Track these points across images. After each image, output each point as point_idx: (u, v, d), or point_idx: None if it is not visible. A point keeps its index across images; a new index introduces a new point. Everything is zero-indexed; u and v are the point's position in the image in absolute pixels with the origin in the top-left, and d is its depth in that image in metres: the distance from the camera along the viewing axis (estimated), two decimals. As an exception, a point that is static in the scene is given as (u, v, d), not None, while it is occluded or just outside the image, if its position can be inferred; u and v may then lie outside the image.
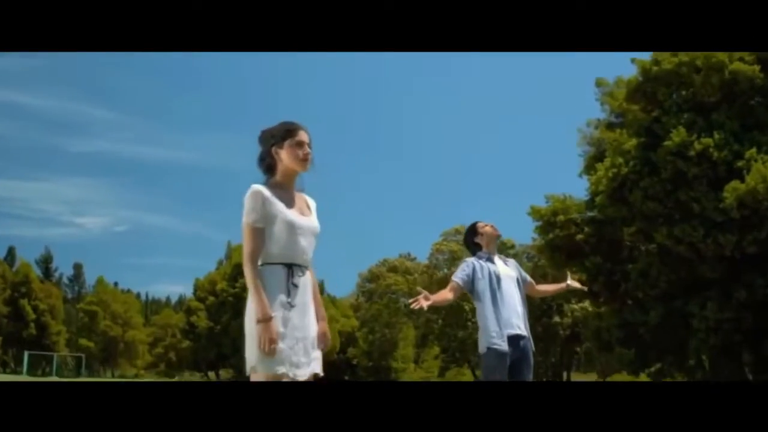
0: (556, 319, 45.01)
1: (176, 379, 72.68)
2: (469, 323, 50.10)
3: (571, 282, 6.18)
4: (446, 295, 5.70)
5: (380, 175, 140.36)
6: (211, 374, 68.85)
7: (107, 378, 73.25)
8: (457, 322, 50.73)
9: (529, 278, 6.22)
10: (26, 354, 65.99)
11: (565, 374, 50.06)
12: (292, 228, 3.56)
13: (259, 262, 3.53)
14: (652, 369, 18.66)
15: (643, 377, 18.98)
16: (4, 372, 67.65)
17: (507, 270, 5.92)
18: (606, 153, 19.83)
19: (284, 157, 3.61)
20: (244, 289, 44.50)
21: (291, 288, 3.54)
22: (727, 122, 17.47)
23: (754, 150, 16.89)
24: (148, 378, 73.47)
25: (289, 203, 3.63)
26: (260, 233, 3.52)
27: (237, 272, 62.94)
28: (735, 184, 16.28)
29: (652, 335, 18.04)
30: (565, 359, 49.64)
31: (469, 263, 5.82)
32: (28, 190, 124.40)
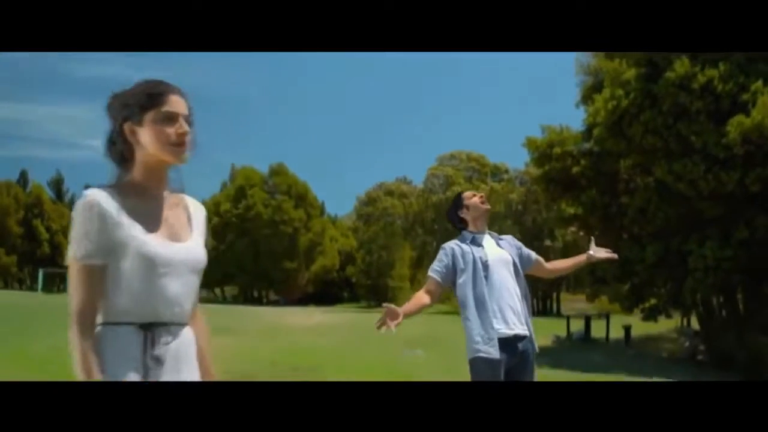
0: (548, 242, 43.87)
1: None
2: (463, 246, 49.05)
3: (595, 251, 4.56)
4: (422, 300, 4.30)
5: (379, 100, 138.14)
6: (218, 290, 68.57)
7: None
8: (451, 244, 49.60)
9: (534, 256, 4.65)
10: (41, 272, 65.73)
11: (554, 295, 49.35)
12: (152, 265, 2.04)
13: (98, 320, 2.02)
14: (647, 305, 17.40)
15: (636, 313, 17.81)
16: (21, 289, 67.39)
17: (499, 253, 4.41)
18: (604, 83, 18.17)
19: (145, 138, 2.08)
20: (247, 209, 44.05)
21: (149, 363, 2.02)
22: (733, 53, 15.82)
23: (760, 82, 15.24)
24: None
25: (152, 220, 2.11)
26: (96, 275, 2.00)
27: (240, 194, 62.12)
28: (739, 118, 14.74)
29: (647, 272, 16.72)
30: (555, 281, 48.72)
31: (447, 250, 4.40)
32: (40, 113, 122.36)
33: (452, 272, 4.33)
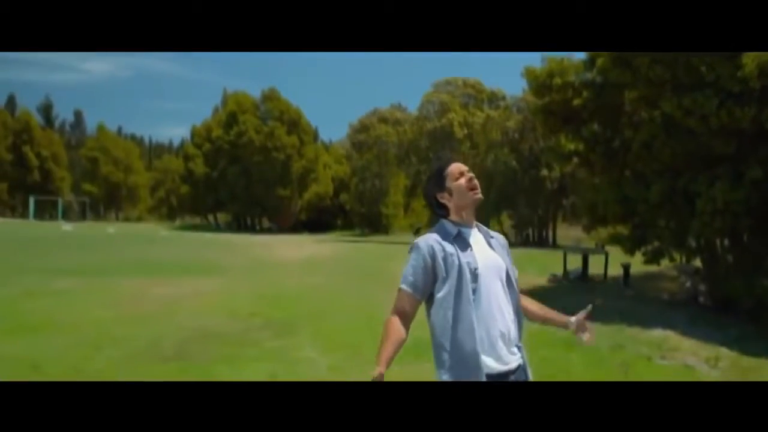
0: (544, 172, 42.73)
1: (177, 221, 72.00)
2: (458, 174, 47.94)
3: (578, 326, 3.65)
4: (399, 334, 3.08)
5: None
6: (210, 217, 67.91)
7: (112, 220, 72.41)
8: (446, 173, 48.47)
9: (515, 274, 3.44)
10: (32, 199, 64.92)
11: (551, 226, 48.50)
12: None
13: None
14: (649, 248, 16.37)
15: (638, 256, 16.80)
16: (13, 217, 66.70)
17: (491, 257, 3.29)
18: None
19: None
20: (239, 136, 43.66)
21: None
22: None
23: (779, 10, 13.87)
24: (151, 221, 72.72)
25: None
26: None
27: (232, 120, 60.85)
28: (756, 49, 13.35)
29: (651, 213, 15.63)
30: (552, 212, 47.83)
31: (423, 250, 3.19)
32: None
33: (431, 282, 3.18)
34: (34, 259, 21.08)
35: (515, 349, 3.29)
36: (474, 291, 3.15)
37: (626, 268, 19.83)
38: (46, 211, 68.68)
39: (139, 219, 76.05)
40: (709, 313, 15.25)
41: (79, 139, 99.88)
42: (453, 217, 3.36)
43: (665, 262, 17.77)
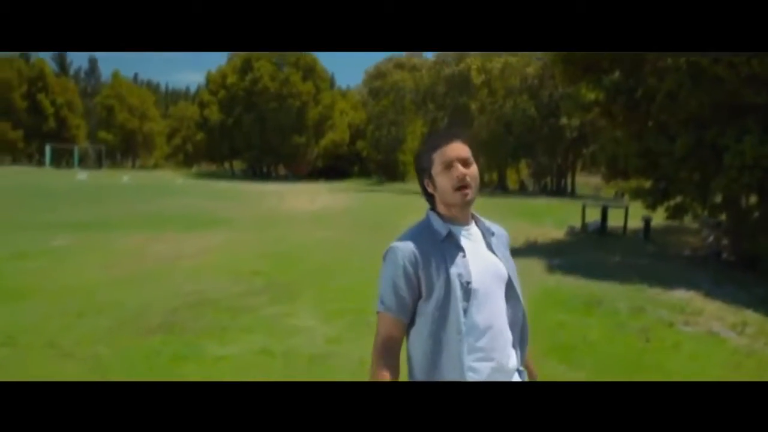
0: (564, 120, 41.65)
1: (193, 169, 71.65)
2: (476, 122, 47.05)
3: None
4: (384, 369, 2.43)
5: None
6: (226, 164, 67.59)
7: (128, 168, 72.22)
8: (463, 120, 47.57)
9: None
10: (48, 147, 64.68)
11: (569, 176, 47.65)
12: None
13: None
14: (672, 203, 15.56)
15: (660, 211, 16.04)
16: (30, 165, 66.58)
17: (491, 265, 2.59)
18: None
19: None
20: (254, 82, 43.62)
21: None
22: None
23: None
24: (168, 168, 72.39)
25: None
26: None
27: (247, 66, 60.01)
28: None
29: (675, 167, 14.78)
30: (571, 161, 46.89)
31: (398, 259, 2.50)
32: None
33: (414, 300, 2.51)
34: (37, 212, 20.60)
35: (516, 377, 2.66)
36: (465, 312, 2.47)
37: (647, 221, 19.11)
38: (62, 158, 68.51)
39: (155, 166, 75.81)
40: (733, 271, 14.56)
41: (94, 86, 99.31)
42: (441, 209, 2.62)
43: (688, 218, 17.05)
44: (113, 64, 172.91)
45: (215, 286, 10.47)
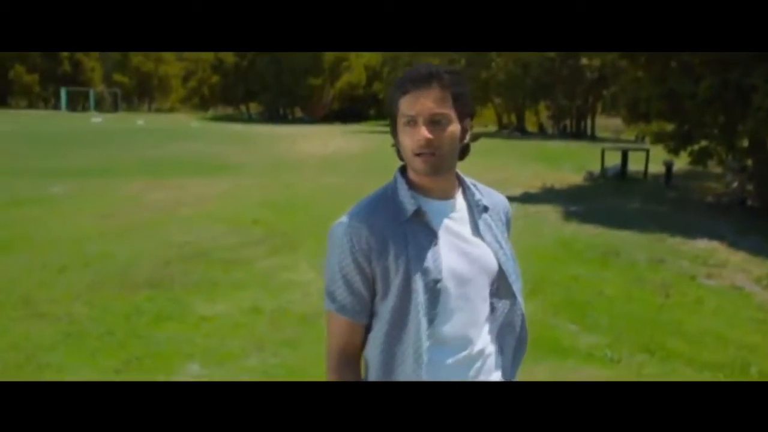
0: (584, 61, 40.54)
1: (210, 112, 71.16)
2: (493, 63, 46.04)
3: None
4: (343, 369, 1.90)
5: None
6: (243, 107, 67.15)
7: (144, 111, 71.89)
8: (481, 61, 46.54)
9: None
10: (63, 90, 64.22)
11: (589, 118, 46.69)
12: None
13: None
14: (695, 147, 14.82)
15: (683, 156, 15.33)
16: (45, 108, 66.34)
17: (475, 256, 1.93)
18: None
19: None
20: None
21: None
22: None
23: None
24: (184, 111, 71.93)
25: None
26: None
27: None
28: None
29: (699, 110, 13.98)
30: (591, 103, 45.85)
31: (343, 244, 1.87)
32: None
33: (372, 296, 1.91)
34: (43, 158, 20.14)
35: None
36: (431, 321, 1.85)
37: (669, 166, 18.42)
38: (78, 102, 68.12)
39: (171, 110, 75.32)
40: (758, 219, 13.95)
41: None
42: (411, 175, 1.95)
43: (712, 163, 16.37)
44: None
45: (211, 236, 9.99)
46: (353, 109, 62.25)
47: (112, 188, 14.48)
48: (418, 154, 1.83)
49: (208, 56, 67.16)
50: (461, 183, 2.00)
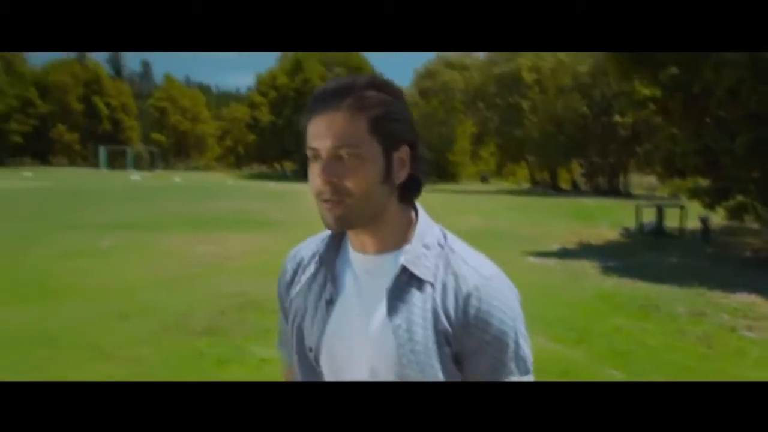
0: (617, 118, 40.86)
1: (244, 170, 72.23)
2: (527, 121, 46.57)
3: None
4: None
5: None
6: (277, 165, 68.04)
7: (181, 169, 73.14)
8: (514, 119, 47.13)
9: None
10: (102, 149, 65.72)
11: (623, 175, 46.79)
12: None
13: None
14: (731, 202, 15.00)
15: (720, 211, 15.50)
16: (85, 166, 67.77)
17: (371, 330, 1.47)
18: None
19: None
20: (304, 83, 44.10)
21: None
22: None
23: None
24: (219, 170, 73.08)
25: None
26: None
27: (297, 67, 60.35)
28: None
29: (735, 165, 14.21)
30: (624, 160, 46.01)
31: (282, 265, 1.69)
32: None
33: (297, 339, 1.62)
34: (88, 213, 20.78)
35: None
36: (317, 350, 1.56)
37: (705, 221, 18.55)
38: (117, 160, 69.57)
39: (207, 168, 76.55)
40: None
41: (147, 88, 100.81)
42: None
43: (748, 218, 16.50)
44: (165, 66, 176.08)
45: (260, 288, 10.34)
46: (386, 167, 63.04)
47: (157, 242, 14.94)
48: (325, 200, 1.42)
49: (244, 115, 68.60)
50: (422, 239, 1.51)
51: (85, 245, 14.04)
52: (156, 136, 74.05)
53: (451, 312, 1.43)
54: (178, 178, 49.17)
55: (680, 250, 16.40)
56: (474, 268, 1.46)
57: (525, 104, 46.96)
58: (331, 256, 1.55)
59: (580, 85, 44.08)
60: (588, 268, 13.40)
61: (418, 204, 1.56)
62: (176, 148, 77.57)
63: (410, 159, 1.47)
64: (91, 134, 70.95)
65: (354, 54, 60.32)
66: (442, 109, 54.30)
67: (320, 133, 1.40)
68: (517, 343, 1.46)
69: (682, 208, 20.14)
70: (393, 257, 1.48)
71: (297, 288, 1.60)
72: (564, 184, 51.17)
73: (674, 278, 12.36)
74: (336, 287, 1.53)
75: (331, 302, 1.52)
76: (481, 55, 53.94)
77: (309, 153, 1.43)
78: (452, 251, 1.49)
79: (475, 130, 56.08)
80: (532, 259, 14.27)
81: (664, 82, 15.63)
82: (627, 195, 40.89)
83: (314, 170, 1.42)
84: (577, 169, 53.07)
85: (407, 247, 1.47)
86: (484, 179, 60.55)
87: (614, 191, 44.87)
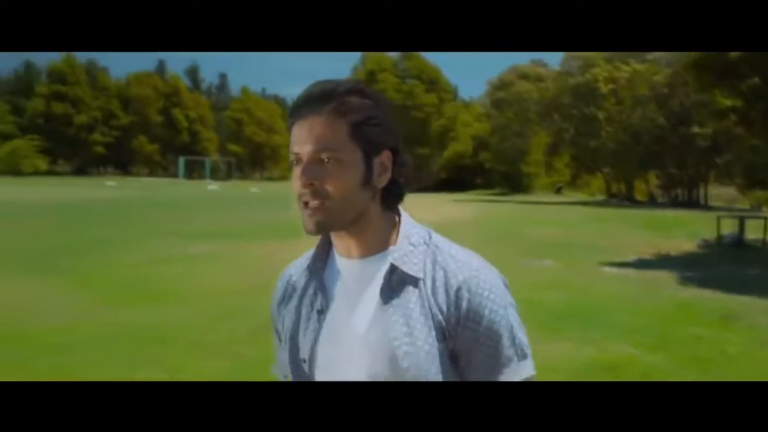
0: (695, 129, 40.27)
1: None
2: (602, 132, 46.21)
3: None
4: None
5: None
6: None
7: (256, 179, 74.54)
8: (589, 130, 46.80)
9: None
10: (181, 159, 67.71)
11: (701, 186, 46.01)
12: None
13: None
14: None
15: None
16: (164, 176, 69.81)
17: (359, 335, 1.48)
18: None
19: None
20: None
21: None
22: None
23: None
24: (288, 180, 74.29)
25: None
26: None
27: (371, 79, 61.00)
28: None
29: (819, 176, 14.11)
30: (703, 171, 45.26)
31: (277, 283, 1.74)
32: None
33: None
34: (173, 222, 21.66)
35: None
36: (309, 360, 1.57)
37: (789, 233, 18.31)
38: (194, 170, 71.52)
39: (281, 178, 78.00)
40: None
41: (224, 101, 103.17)
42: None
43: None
44: (242, 79, 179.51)
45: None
46: (460, 178, 63.16)
47: (242, 249, 15.57)
48: (305, 204, 1.45)
49: (318, 127, 69.66)
50: (408, 238, 1.53)
51: (174, 252, 14.75)
52: (233, 146, 75.88)
53: (444, 307, 1.44)
54: (254, 188, 50.33)
55: (762, 262, 16.25)
56: (461, 261, 1.49)
57: (601, 115, 46.58)
58: (319, 266, 1.58)
59: (658, 96, 43.57)
60: (666, 278, 13.43)
61: (400, 207, 1.58)
62: (251, 159, 79.27)
63: (392, 164, 1.51)
64: (170, 145, 73.16)
65: (428, 66, 60.83)
66: (517, 120, 54.27)
67: (302, 138, 1.44)
68: (511, 330, 1.48)
69: (766, 219, 19.88)
70: (378, 260, 1.50)
71: (290, 304, 1.62)
72: (640, 196, 50.54)
73: (755, 290, 12.30)
74: (325, 296, 1.54)
75: (321, 311, 1.54)
76: (555, 66, 53.80)
77: (291, 157, 1.48)
78: (437, 248, 1.51)
79: (549, 141, 55.83)
80: (608, 269, 14.36)
81: (745, 93, 15.56)
82: (706, 207, 40.20)
83: (296, 173, 1.46)
84: (653, 180, 52.35)
85: (394, 247, 1.50)
86: (558, 190, 60.19)
87: (692, 203, 44.15)
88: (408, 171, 1.57)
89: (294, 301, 1.61)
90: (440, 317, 1.44)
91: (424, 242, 1.52)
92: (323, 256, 1.58)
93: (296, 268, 1.66)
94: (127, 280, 11.30)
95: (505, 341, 1.46)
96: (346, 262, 1.54)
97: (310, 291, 1.58)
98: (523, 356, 1.49)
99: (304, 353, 1.55)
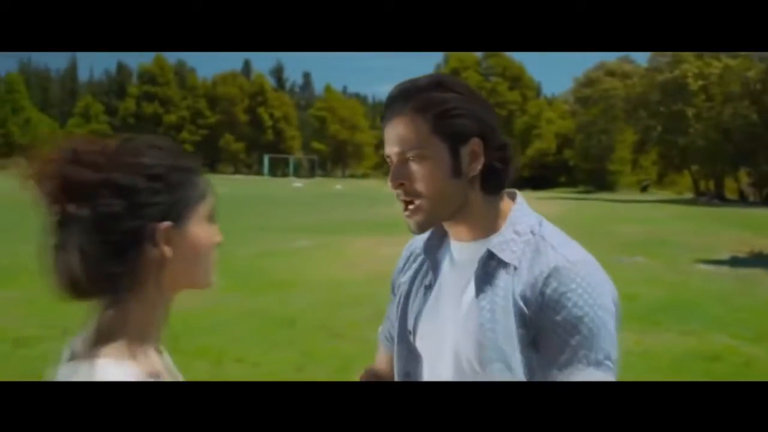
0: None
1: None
2: (692, 129, 45.68)
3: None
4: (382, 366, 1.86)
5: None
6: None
7: (338, 177, 75.80)
8: (678, 128, 46.32)
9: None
10: (266, 157, 69.54)
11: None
12: None
13: None
14: None
15: None
16: (249, 174, 71.66)
17: (456, 306, 1.56)
18: None
19: None
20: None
21: None
22: None
23: None
24: (375, 177, 75.26)
25: None
26: None
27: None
28: None
29: None
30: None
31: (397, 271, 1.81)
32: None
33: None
34: (269, 217, 22.79)
35: None
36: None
37: None
38: (278, 168, 73.26)
39: (364, 175, 79.09)
40: None
41: (307, 99, 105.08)
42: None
43: None
44: (325, 78, 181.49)
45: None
46: (543, 176, 63.06)
47: (345, 244, 16.41)
48: (403, 205, 1.52)
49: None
50: (511, 221, 1.55)
51: (283, 246, 15.69)
52: (316, 144, 77.43)
53: (529, 293, 1.44)
54: (338, 185, 51.40)
55: None
56: (562, 254, 1.47)
57: (690, 112, 46.02)
58: (434, 244, 1.65)
59: (750, 92, 42.88)
60: (761, 276, 13.58)
61: (518, 193, 1.62)
62: (334, 156, 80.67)
63: (484, 150, 1.50)
64: (255, 143, 75.10)
65: (512, 63, 60.99)
66: (603, 118, 53.97)
67: (389, 140, 1.50)
68: (591, 330, 1.40)
69: None
70: (484, 244, 1.52)
71: (407, 274, 1.72)
72: (730, 194, 49.68)
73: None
74: (435, 273, 1.63)
75: (429, 287, 1.63)
76: (643, 63, 53.31)
77: (387, 160, 1.53)
78: (542, 238, 1.51)
79: (635, 138, 55.32)
80: (703, 266, 14.59)
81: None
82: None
83: (390, 175, 1.52)
84: (744, 178, 51.41)
85: (496, 233, 1.52)
86: (644, 188, 59.59)
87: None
88: (507, 154, 1.56)
89: (410, 272, 1.71)
90: (523, 303, 1.44)
91: (531, 231, 1.52)
92: (440, 235, 1.64)
93: (420, 241, 1.70)
94: (246, 270, 12.15)
95: (579, 338, 1.40)
96: (456, 244, 1.60)
97: (425, 266, 1.66)
98: (596, 363, 1.40)
99: (410, 324, 1.64)
